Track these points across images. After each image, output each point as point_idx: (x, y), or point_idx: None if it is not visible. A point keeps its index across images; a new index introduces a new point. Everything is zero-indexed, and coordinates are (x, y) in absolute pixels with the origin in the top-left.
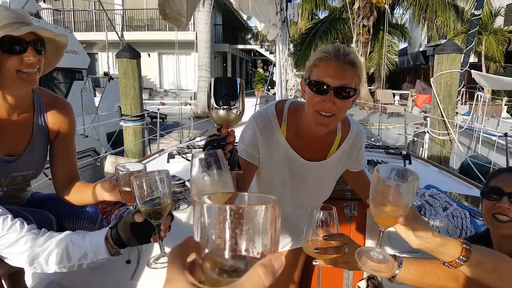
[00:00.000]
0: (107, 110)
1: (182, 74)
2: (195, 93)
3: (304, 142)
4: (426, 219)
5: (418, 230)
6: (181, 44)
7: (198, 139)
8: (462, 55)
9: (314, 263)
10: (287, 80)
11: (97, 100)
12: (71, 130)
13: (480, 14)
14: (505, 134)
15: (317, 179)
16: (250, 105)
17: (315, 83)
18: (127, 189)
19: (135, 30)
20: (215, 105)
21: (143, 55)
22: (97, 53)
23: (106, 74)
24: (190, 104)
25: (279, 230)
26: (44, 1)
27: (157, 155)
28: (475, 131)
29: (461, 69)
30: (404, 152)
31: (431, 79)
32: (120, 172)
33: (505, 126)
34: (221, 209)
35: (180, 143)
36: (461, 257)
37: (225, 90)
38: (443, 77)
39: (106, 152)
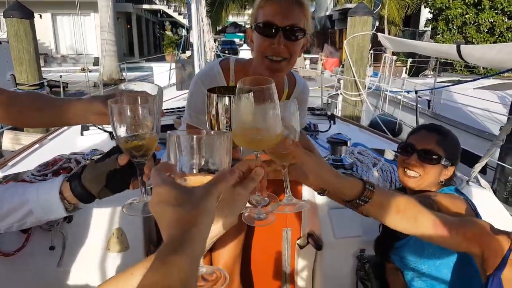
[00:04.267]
0: None
1: (81, 38)
2: (98, 58)
3: None
4: (359, 176)
5: (313, 165)
6: (79, 4)
7: None
8: (372, 17)
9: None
10: (205, 42)
11: None
12: None
13: None
14: (415, 91)
15: None
16: (165, 70)
17: (263, 25)
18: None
19: None
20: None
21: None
22: None
23: None
24: (87, 70)
25: (231, 154)
26: None
27: (65, 127)
28: (383, 91)
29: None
30: (329, 113)
31: (344, 42)
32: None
33: (410, 85)
34: (190, 138)
35: None
36: (362, 197)
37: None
38: (355, 39)
39: (1, 127)
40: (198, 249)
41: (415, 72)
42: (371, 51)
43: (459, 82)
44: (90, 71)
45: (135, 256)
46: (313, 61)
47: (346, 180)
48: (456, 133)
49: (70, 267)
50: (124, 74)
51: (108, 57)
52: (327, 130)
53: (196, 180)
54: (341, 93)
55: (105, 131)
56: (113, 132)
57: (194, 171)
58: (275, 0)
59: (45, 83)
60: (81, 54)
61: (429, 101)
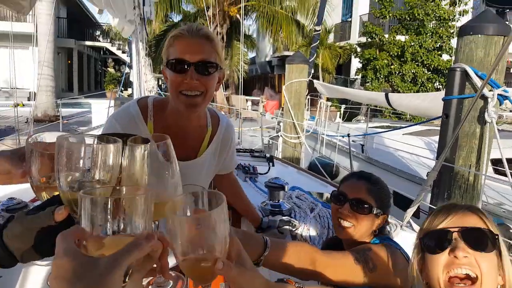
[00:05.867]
0: None
1: (17, 71)
2: (33, 92)
3: (173, 141)
4: (297, 222)
5: (246, 284)
6: (17, 37)
7: None
8: (308, 65)
9: None
10: (145, 81)
11: None
12: None
13: (320, 30)
14: (348, 135)
15: (190, 180)
16: (104, 107)
17: (174, 61)
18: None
19: None
20: None
21: None
22: None
23: None
24: (21, 105)
25: (152, 214)
26: None
27: None
28: (320, 134)
29: None
30: (268, 155)
31: (283, 87)
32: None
33: (344, 129)
34: (103, 201)
35: None
36: None
37: None
38: (293, 85)
39: None
40: None
41: (348, 117)
42: (308, 96)
43: (389, 127)
44: (23, 106)
45: None
46: (255, 103)
47: None
48: (388, 177)
49: None
50: (60, 110)
51: (45, 92)
52: (266, 172)
53: (113, 243)
54: (281, 135)
55: None
56: (55, 177)
57: (110, 234)
58: (184, 37)
59: None
60: (15, 88)
61: (362, 145)
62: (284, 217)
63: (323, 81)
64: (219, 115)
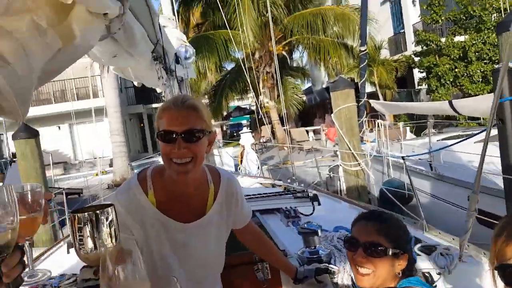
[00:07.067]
0: None
1: (97, 142)
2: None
3: (177, 204)
4: (336, 269)
5: None
6: (93, 112)
7: None
8: (353, 89)
9: None
10: None
11: None
12: None
13: (365, 50)
14: (403, 158)
15: (202, 242)
16: None
17: (163, 132)
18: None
19: (38, 104)
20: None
21: (52, 129)
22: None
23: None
24: (104, 172)
25: None
26: None
27: (62, 243)
28: (384, 156)
29: (360, 101)
30: (311, 194)
31: (332, 115)
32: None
33: (408, 149)
34: None
35: None
36: None
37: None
38: (342, 112)
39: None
40: None
41: (418, 131)
42: (366, 118)
43: (458, 137)
44: (107, 173)
45: None
46: (317, 132)
47: None
48: (464, 193)
49: None
50: (130, 171)
51: (120, 158)
52: (311, 213)
53: None
54: (340, 165)
55: None
56: None
57: None
58: (171, 110)
59: (54, 195)
60: (96, 158)
61: (430, 162)
62: (321, 265)
63: (384, 97)
64: (219, 171)
